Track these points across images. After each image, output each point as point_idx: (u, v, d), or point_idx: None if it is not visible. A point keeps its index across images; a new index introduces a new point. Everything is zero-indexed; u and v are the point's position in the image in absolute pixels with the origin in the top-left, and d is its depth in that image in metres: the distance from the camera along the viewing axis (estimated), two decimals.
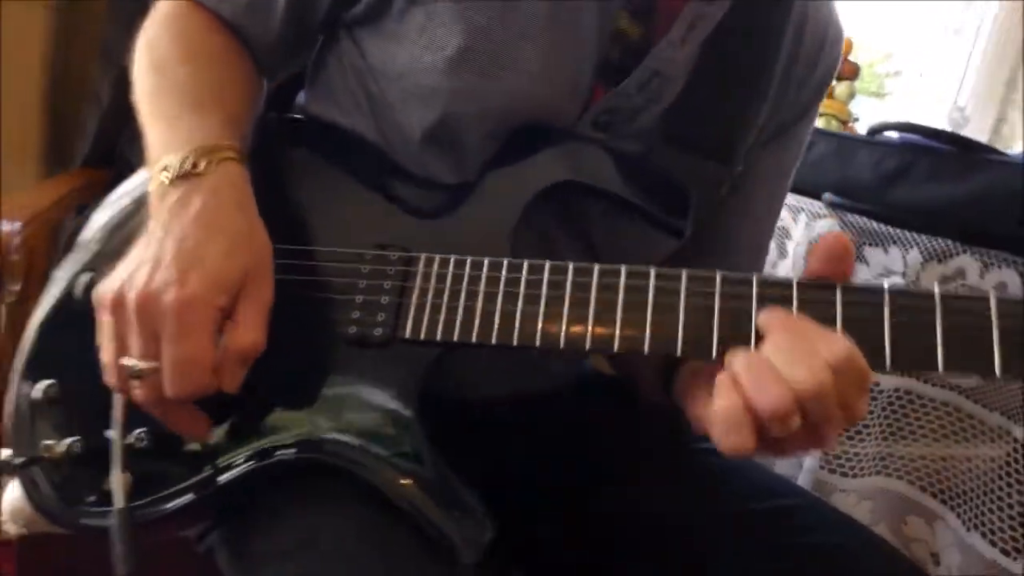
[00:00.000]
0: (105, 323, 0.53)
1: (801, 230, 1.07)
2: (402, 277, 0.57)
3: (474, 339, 0.54)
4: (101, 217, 0.70)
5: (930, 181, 0.94)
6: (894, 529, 0.99)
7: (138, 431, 0.58)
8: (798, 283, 0.48)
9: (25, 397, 0.62)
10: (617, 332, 0.51)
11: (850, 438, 0.96)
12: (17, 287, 0.83)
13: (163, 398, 0.52)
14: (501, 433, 0.74)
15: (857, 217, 1.00)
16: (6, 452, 0.61)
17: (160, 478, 0.59)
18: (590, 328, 0.52)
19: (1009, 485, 0.87)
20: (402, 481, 0.55)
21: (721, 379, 0.47)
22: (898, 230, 0.95)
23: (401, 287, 0.57)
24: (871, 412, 0.95)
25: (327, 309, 0.58)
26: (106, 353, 0.53)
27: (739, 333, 0.48)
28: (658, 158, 0.64)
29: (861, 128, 1.56)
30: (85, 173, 1.16)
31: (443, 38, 0.61)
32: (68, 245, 0.75)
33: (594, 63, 0.63)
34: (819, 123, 1.48)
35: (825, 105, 1.59)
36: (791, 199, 1.12)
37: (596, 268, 0.53)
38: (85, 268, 0.65)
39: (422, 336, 0.55)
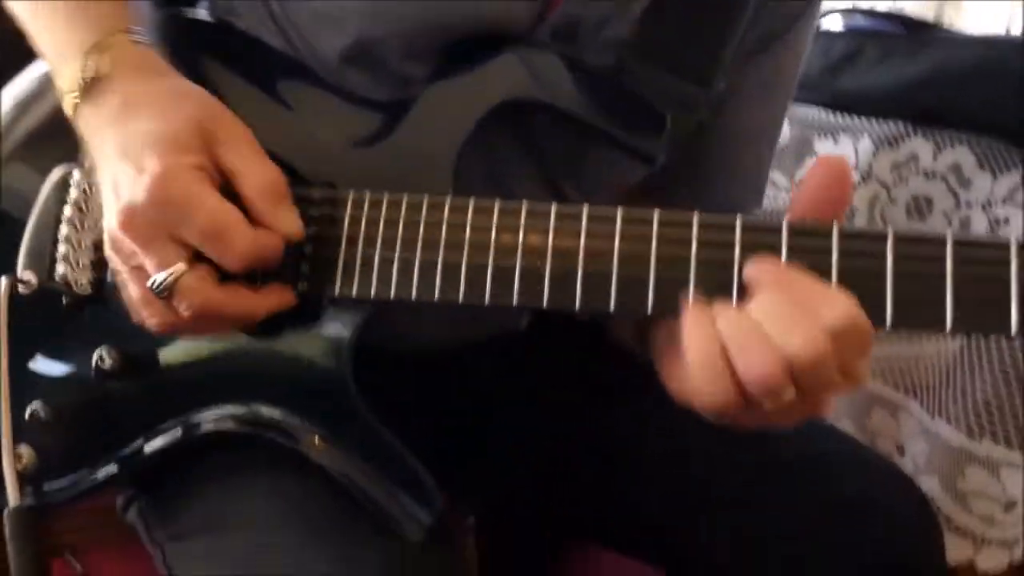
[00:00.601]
0: (121, 273, 0.48)
1: None
2: (328, 222, 0.49)
3: (413, 297, 0.47)
4: None
5: (879, 65, 0.91)
6: (859, 424, 0.99)
7: (33, 406, 0.55)
8: (788, 227, 0.42)
9: None
10: (579, 289, 0.44)
11: None
12: None
13: (212, 299, 0.45)
14: (472, 383, 0.70)
15: (805, 109, 0.96)
16: None
17: (67, 453, 0.55)
18: (547, 285, 0.44)
19: (971, 369, 0.87)
20: (333, 451, 0.50)
21: (690, 323, 0.41)
22: (848, 118, 0.92)
23: (328, 235, 0.49)
24: None
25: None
26: (137, 304, 0.48)
27: (721, 288, 0.42)
28: (629, 75, 0.56)
29: None
30: None
31: None
32: None
33: None
34: None
35: None
36: None
37: (553, 210, 0.45)
38: None
39: (354, 294, 0.48)
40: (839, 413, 0.99)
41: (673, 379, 0.45)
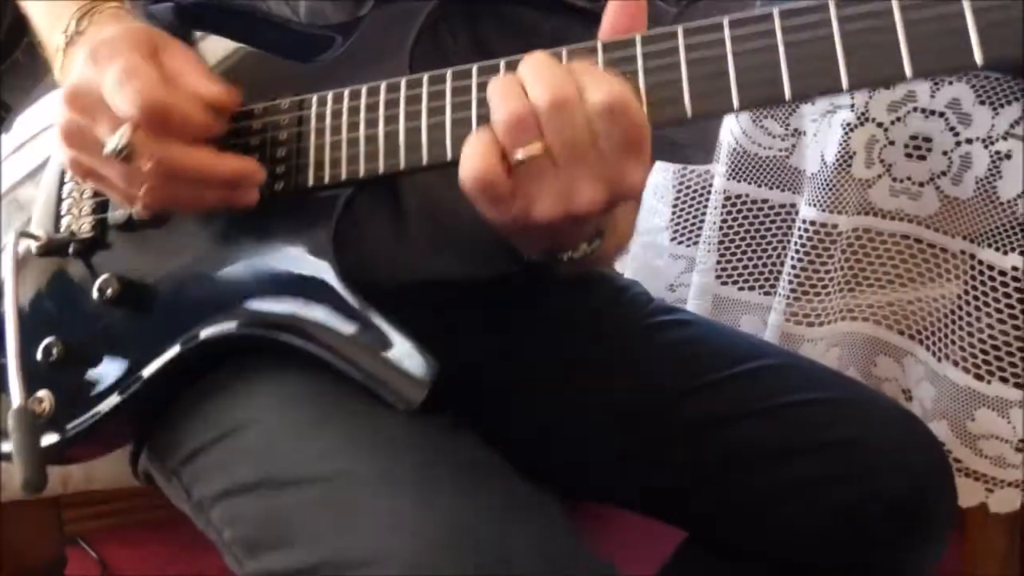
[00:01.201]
0: (70, 157, 0.51)
1: None
2: (297, 123, 0.53)
3: (381, 169, 0.50)
4: None
5: None
6: (864, 372, 0.98)
7: (46, 341, 0.57)
8: (601, 43, 0.46)
9: None
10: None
11: (813, 286, 0.93)
12: None
13: (171, 152, 0.48)
14: (447, 321, 0.69)
15: None
16: None
17: (83, 388, 0.57)
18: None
19: (977, 309, 0.85)
20: (325, 334, 0.51)
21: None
22: None
23: (298, 134, 0.53)
24: (831, 257, 0.92)
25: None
26: (115, 183, 0.51)
27: None
28: None
29: None
30: None
31: None
32: None
33: None
34: None
35: None
36: None
37: (502, 64, 0.48)
38: None
39: (327, 180, 0.52)
40: (843, 362, 0.97)
41: None
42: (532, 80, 0.44)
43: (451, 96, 0.49)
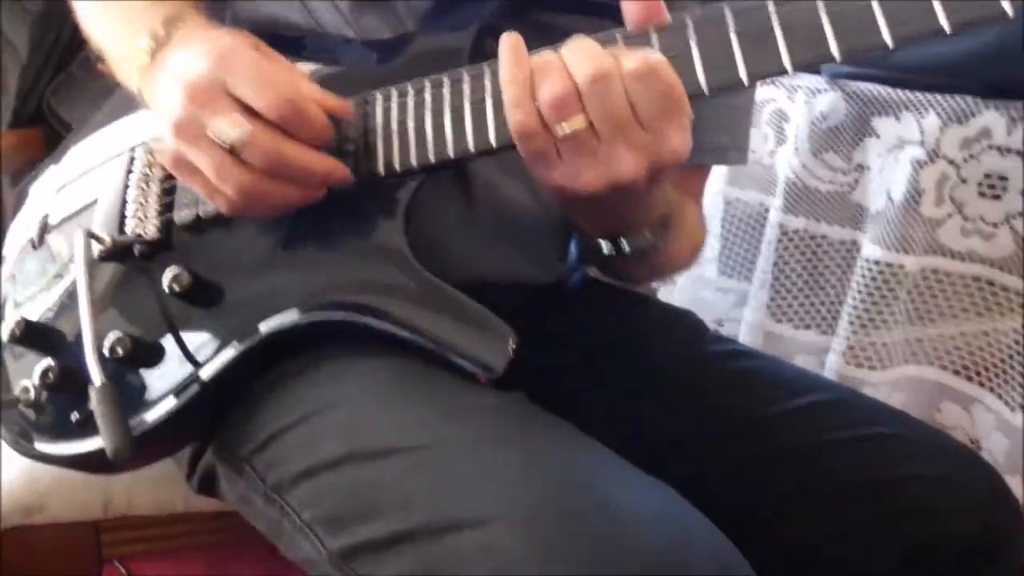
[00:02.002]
0: (175, 149, 0.52)
1: (800, 110, 0.98)
2: (363, 119, 0.55)
3: (451, 153, 0.51)
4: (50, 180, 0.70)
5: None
6: (928, 419, 0.93)
7: (113, 337, 0.56)
8: (620, 32, 0.49)
9: None
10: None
11: (876, 327, 0.89)
12: None
13: (282, 147, 0.50)
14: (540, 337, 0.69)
15: (863, 85, 0.90)
16: None
17: (145, 387, 0.57)
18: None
19: None
20: (403, 312, 0.52)
21: (506, 62, 0.47)
22: (910, 93, 0.86)
23: (364, 127, 0.55)
24: (896, 298, 0.88)
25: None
26: (212, 176, 0.51)
27: None
28: None
29: None
30: (13, 134, 1.06)
31: None
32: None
33: None
34: None
35: None
36: (785, 78, 1.02)
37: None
38: (44, 217, 0.66)
39: (397, 167, 0.53)
40: (906, 408, 0.93)
41: None
42: (573, 57, 0.46)
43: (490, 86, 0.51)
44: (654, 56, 0.46)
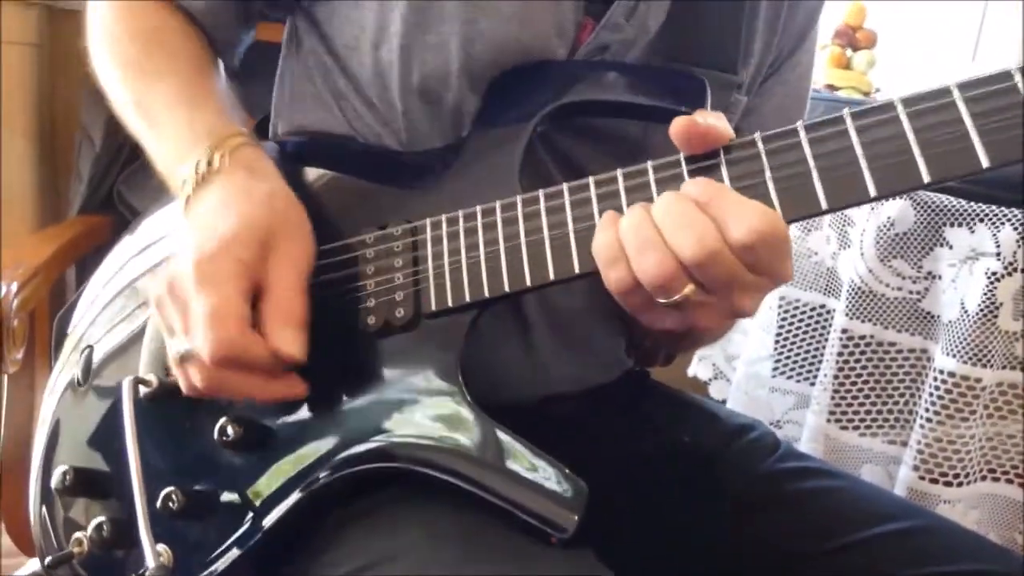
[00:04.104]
0: (154, 323, 0.53)
1: (866, 215, 0.98)
2: (412, 249, 0.53)
3: (506, 288, 0.49)
4: (92, 299, 0.68)
5: None
6: (1007, 539, 0.90)
7: (165, 491, 0.54)
8: (684, 157, 0.47)
9: (45, 493, 0.60)
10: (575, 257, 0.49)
11: (951, 441, 0.87)
12: (19, 355, 0.74)
13: (222, 382, 0.49)
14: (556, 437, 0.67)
15: (933, 195, 0.90)
16: (33, 565, 0.56)
17: (203, 541, 0.54)
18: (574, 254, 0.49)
19: None
20: (464, 465, 0.48)
21: (599, 242, 0.45)
22: (984, 206, 0.86)
23: (414, 259, 0.53)
24: (973, 412, 0.86)
25: (342, 309, 0.54)
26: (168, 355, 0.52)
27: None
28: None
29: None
30: (83, 221, 1.08)
31: None
32: (71, 307, 0.71)
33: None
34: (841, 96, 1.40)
35: (844, 78, 1.50)
36: None
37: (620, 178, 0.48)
38: (85, 349, 0.64)
39: (450, 303, 0.51)
40: (983, 527, 0.90)
41: None
42: (673, 229, 0.43)
43: (571, 209, 0.48)
44: (759, 221, 0.42)
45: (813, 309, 1.08)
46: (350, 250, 0.55)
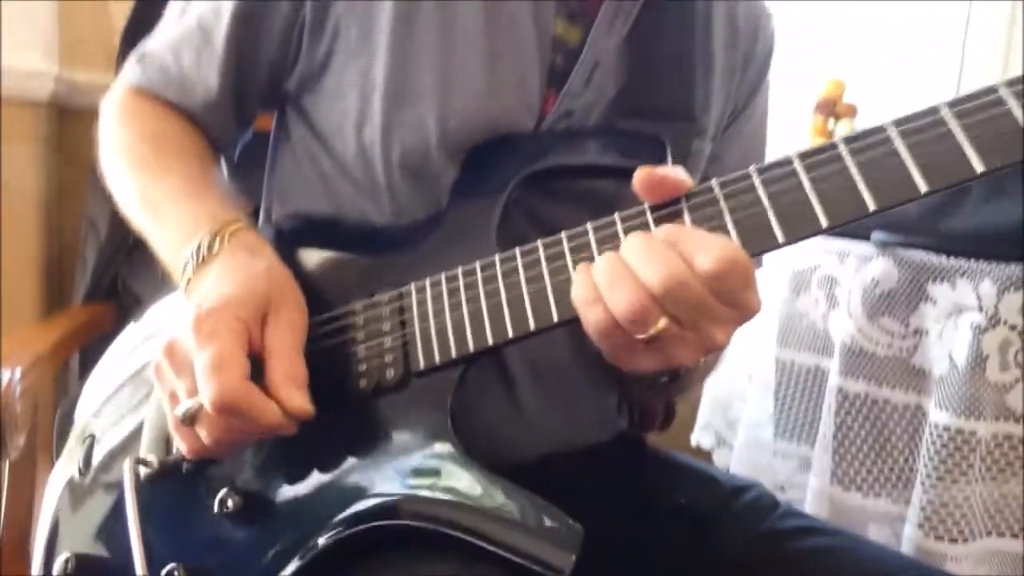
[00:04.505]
0: (158, 389, 0.54)
1: (851, 275, 1.00)
2: (399, 313, 0.55)
3: (490, 341, 0.51)
4: (96, 388, 0.70)
5: (987, 205, 0.87)
6: None
7: (167, 569, 0.55)
8: (648, 207, 0.50)
9: None
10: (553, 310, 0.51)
11: (952, 496, 0.86)
12: (21, 441, 0.75)
13: (225, 434, 0.50)
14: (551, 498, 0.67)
15: (914, 252, 0.93)
16: None
17: None
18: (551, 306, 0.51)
19: None
20: (457, 512, 0.49)
21: (577, 284, 0.47)
22: (963, 261, 0.88)
23: (401, 322, 0.55)
24: (970, 464, 0.86)
25: (335, 375, 0.56)
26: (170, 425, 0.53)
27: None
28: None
29: None
30: (87, 309, 1.10)
31: (383, 73, 0.63)
32: (75, 399, 0.73)
33: (541, 72, 0.64)
34: None
35: None
36: (834, 244, 1.05)
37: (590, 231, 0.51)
38: (87, 439, 0.65)
39: (437, 360, 0.53)
40: None
41: None
42: (640, 263, 0.45)
43: (546, 263, 0.51)
44: (723, 251, 0.45)
45: (809, 370, 1.09)
46: (340, 320, 0.57)
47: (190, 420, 0.50)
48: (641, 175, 0.49)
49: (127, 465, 0.57)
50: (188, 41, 0.68)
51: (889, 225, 0.96)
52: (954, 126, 0.43)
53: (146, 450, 0.60)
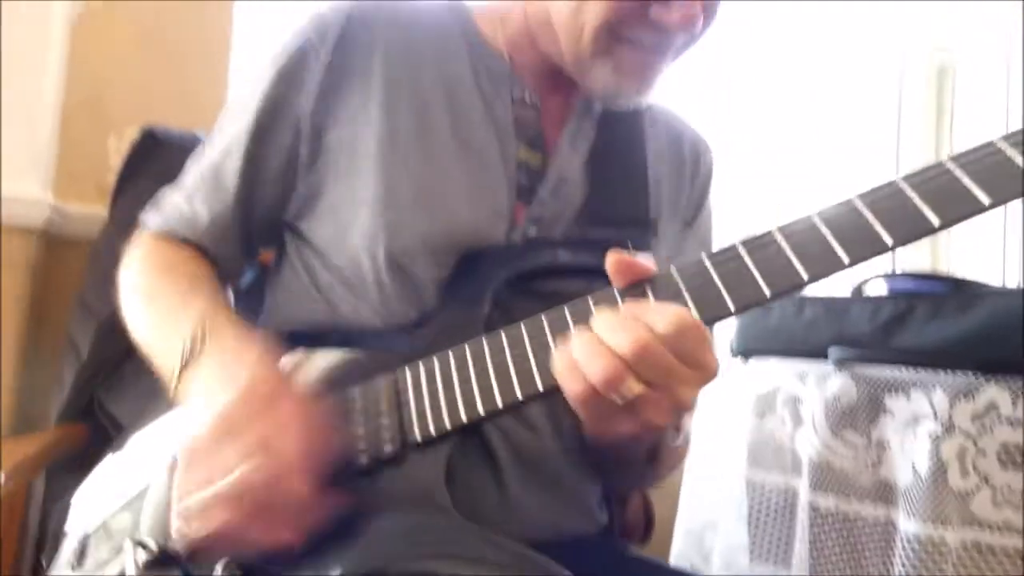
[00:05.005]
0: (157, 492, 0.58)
1: (812, 392, 1.05)
2: (394, 392, 0.60)
3: (481, 411, 0.56)
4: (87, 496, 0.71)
5: (932, 322, 0.95)
6: None
7: None
8: (617, 290, 0.56)
9: None
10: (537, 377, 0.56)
11: None
12: None
13: (273, 496, 0.53)
14: None
15: (869, 369, 0.99)
16: None
17: None
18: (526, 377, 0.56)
19: None
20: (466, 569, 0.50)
21: (557, 358, 0.53)
22: (915, 371, 0.94)
23: (397, 401, 0.59)
24: (942, 572, 0.87)
25: (336, 455, 0.58)
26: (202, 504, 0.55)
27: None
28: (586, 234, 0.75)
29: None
30: (60, 429, 1.09)
31: (371, 188, 0.69)
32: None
33: (509, 188, 0.73)
34: None
35: None
36: (794, 365, 1.11)
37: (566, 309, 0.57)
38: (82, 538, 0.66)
39: (432, 431, 0.57)
40: None
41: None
42: (610, 334, 0.51)
43: (528, 340, 0.57)
44: (677, 315, 0.51)
45: (780, 490, 1.11)
46: (338, 406, 0.60)
47: (243, 490, 0.53)
48: (613, 259, 0.56)
49: (128, 546, 0.57)
50: (202, 186, 0.76)
51: (844, 342, 1.02)
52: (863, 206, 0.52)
53: (146, 532, 0.61)
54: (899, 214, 0.51)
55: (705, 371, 0.52)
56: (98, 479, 0.72)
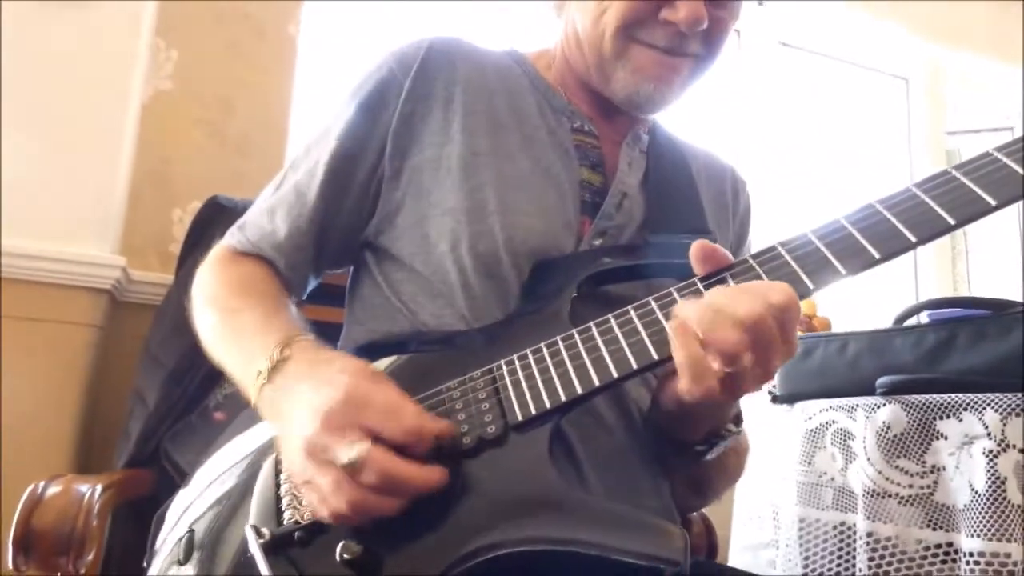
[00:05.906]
0: (303, 467, 0.58)
1: (862, 426, 1.08)
2: (491, 382, 0.63)
3: (579, 390, 0.59)
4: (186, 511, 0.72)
5: (976, 346, 0.99)
6: None
7: None
8: (699, 278, 0.61)
9: None
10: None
11: None
12: (91, 556, 0.75)
13: (395, 466, 0.55)
14: None
15: (917, 397, 1.02)
16: None
17: None
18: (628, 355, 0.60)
19: None
20: (584, 536, 0.53)
21: (673, 327, 0.56)
22: (964, 396, 0.97)
23: (495, 388, 0.63)
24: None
25: (442, 435, 0.60)
26: (327, 493, 0.57)
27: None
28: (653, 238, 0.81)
29: None
30: (126, 473, 1.11)
31: (456, 201, 0.76)
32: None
33: (574, 204, 0.80)
34: None
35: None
36: (841, 401, 1.14)
37: (652, 300, 0.62)
38: (186, 535, 0.68)
39: (533, 411, 0.60)
40: None
41: (668, 390, 0.65)
42: (729, 301, 0.55)
43: (618, 327, 0.61)
44: (788, 288, 0.55)
45: (834, 526, 1.12)
46: (436, 396, 0.64)
47: (357, 467, 0.55)
48: (697, 246, 0.61)
49: (249, 531, 0.59)
50: (283, 203, 0.82)
51: (890, 374, 1.06)
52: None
53: (256, 521, 0.63)
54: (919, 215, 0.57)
55: (792, 348, 0.57)
56: (181, 500, 0.74)
